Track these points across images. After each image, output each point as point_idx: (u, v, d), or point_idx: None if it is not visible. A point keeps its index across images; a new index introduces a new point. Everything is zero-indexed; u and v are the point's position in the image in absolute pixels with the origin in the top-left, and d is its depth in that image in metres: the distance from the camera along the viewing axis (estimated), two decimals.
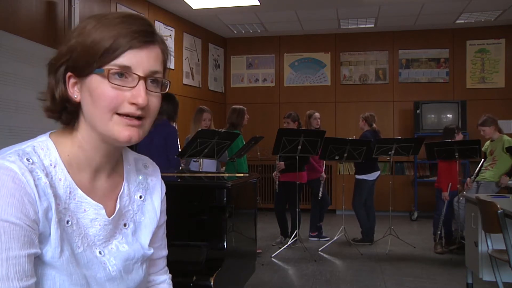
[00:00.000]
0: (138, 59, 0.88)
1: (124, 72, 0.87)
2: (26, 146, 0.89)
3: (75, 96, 0.91)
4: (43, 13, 4.63)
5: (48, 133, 0.95)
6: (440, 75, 8.55)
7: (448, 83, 8.51)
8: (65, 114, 0.93)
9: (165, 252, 1.14)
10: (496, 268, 3.16)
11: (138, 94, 0.87)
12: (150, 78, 0.90)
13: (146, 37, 0.89)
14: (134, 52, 0.88)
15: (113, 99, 0.87)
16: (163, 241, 1.13)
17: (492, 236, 3.21)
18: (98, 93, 0.87)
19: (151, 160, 1.12)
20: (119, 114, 0.88)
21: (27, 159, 0.85)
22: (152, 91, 0.91)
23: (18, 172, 0.82)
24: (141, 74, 0.88)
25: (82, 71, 0.88)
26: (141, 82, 0.88)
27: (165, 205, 1.12)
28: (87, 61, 0.87)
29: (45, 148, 0.90)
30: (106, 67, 0.86)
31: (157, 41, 0.92)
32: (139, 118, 0.89)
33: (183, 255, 2.31)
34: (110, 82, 0.86)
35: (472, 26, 8.25)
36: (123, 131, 0.89)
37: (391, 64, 8.70)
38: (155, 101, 0.92)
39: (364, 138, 5.90)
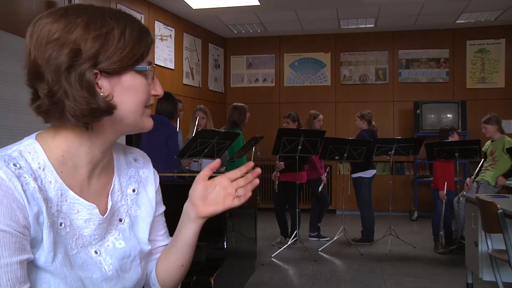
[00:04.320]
0: (150, 54, 0.95)
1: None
2: (12, 150, 0.86)
3: (102, 94, 0.86)
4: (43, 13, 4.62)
5: (34, 135, 0.92)
6: (440, 75, 8.54)
7: (448, 83, 8.51)
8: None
9: (168, 240, 1.12)
10: (496, 268, 3.16)
11: (158, 86, 0.96)
12: None
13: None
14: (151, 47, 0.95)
15: (147, 93, 0.93)
16: (166, 229, 1.13)
17: (492, 236, 3.21)
18: (137, 89, 0.91)
19: (142, 152, 1.11)
20: (146, 106, 0.94)
21: (14, 164, 0.83)
22: None
23: (5, 179, 0.80)
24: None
25: (118, 70, 0.87)
26: (155, 74, 0.96)
27: (161, 196, 1.10)
28: (124, 59, 0.87)
29: (32, 151, 0.88)
30: (144, 64, 0.91)
31: None
32: None
33: None
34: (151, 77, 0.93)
35: (472, 26, 8.25)
36: (149, 120, 0.96)
37: (391, 64, 8.70)
38: None
39: (361, 138, 5.87)
